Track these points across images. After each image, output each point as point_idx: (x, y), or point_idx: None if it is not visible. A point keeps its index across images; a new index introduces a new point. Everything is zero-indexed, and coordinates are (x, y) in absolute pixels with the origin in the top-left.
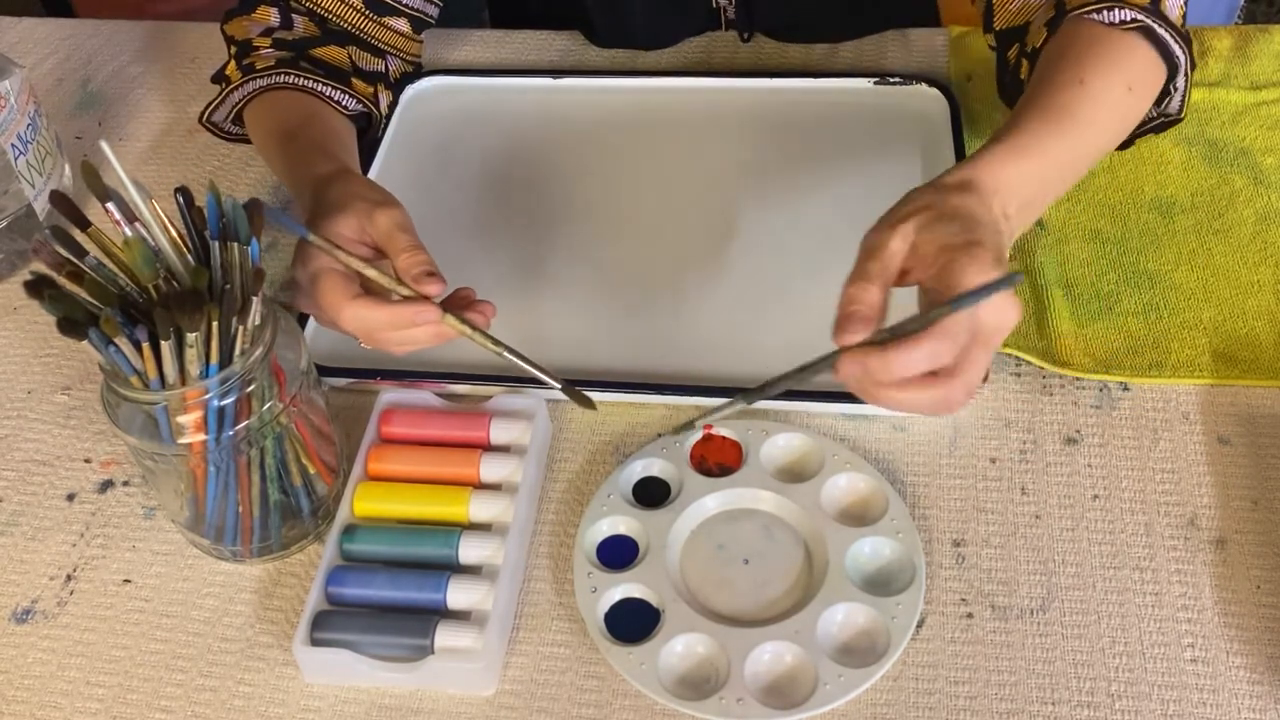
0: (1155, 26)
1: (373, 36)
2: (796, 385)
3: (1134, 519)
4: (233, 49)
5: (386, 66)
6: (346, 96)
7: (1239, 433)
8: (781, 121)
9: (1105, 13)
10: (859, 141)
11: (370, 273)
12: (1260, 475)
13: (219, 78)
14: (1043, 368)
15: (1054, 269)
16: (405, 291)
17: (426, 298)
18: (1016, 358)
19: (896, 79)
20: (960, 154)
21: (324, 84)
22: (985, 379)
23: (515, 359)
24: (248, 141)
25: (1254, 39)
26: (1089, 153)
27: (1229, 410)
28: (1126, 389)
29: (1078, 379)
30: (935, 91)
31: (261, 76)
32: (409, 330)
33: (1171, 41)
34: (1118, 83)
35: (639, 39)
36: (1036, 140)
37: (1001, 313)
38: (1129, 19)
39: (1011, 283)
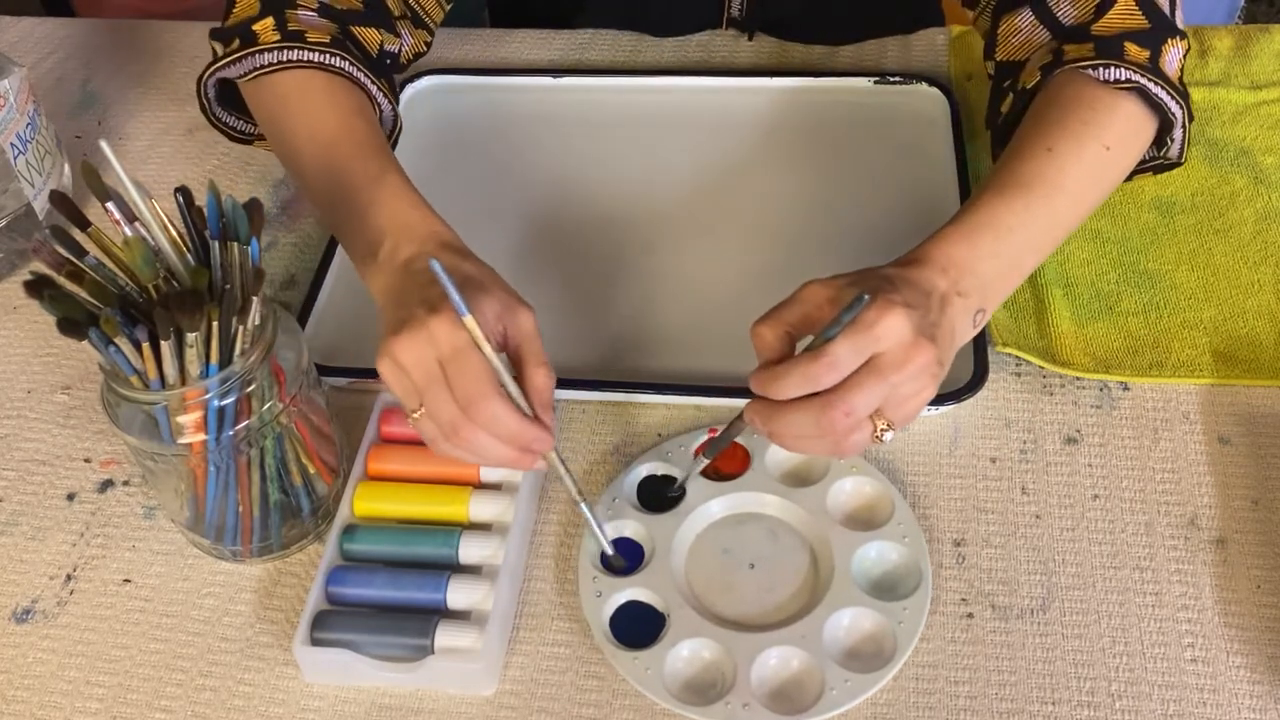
0: (1150, 86)
1: None
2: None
3: (1134, 519)
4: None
5: (400, 48)
6: (385, 101)
7: (1239, 433)
8: (781, 121)
9: (1101, 70)
10: (859, 141)
11: (510, 383)
12: (1260, 475)
13: (241, 32)
14: (1043, 367)
15: (1054, 269)
16: (524, 407)
17: (546, 426)
18: (1017, 357)
19: (896, 78)
20: (960, 154)
21: (373, 83)
22: (899, 424)
23: (588, 514)
24: (240, 137)
25: (1254, 39)
26: (1064, 218)
27: (1229, 410)
28: (1127, 389)
29: (1078, 379)
30: (935, 91)
31: (313, 50)
32: (507, 448)
33: (1169, 99)
34: (1093, 145)
35: (643, 24)
36: (995, 216)
37: (900, 343)
38: (1123, 78)
39: (861, 303)
